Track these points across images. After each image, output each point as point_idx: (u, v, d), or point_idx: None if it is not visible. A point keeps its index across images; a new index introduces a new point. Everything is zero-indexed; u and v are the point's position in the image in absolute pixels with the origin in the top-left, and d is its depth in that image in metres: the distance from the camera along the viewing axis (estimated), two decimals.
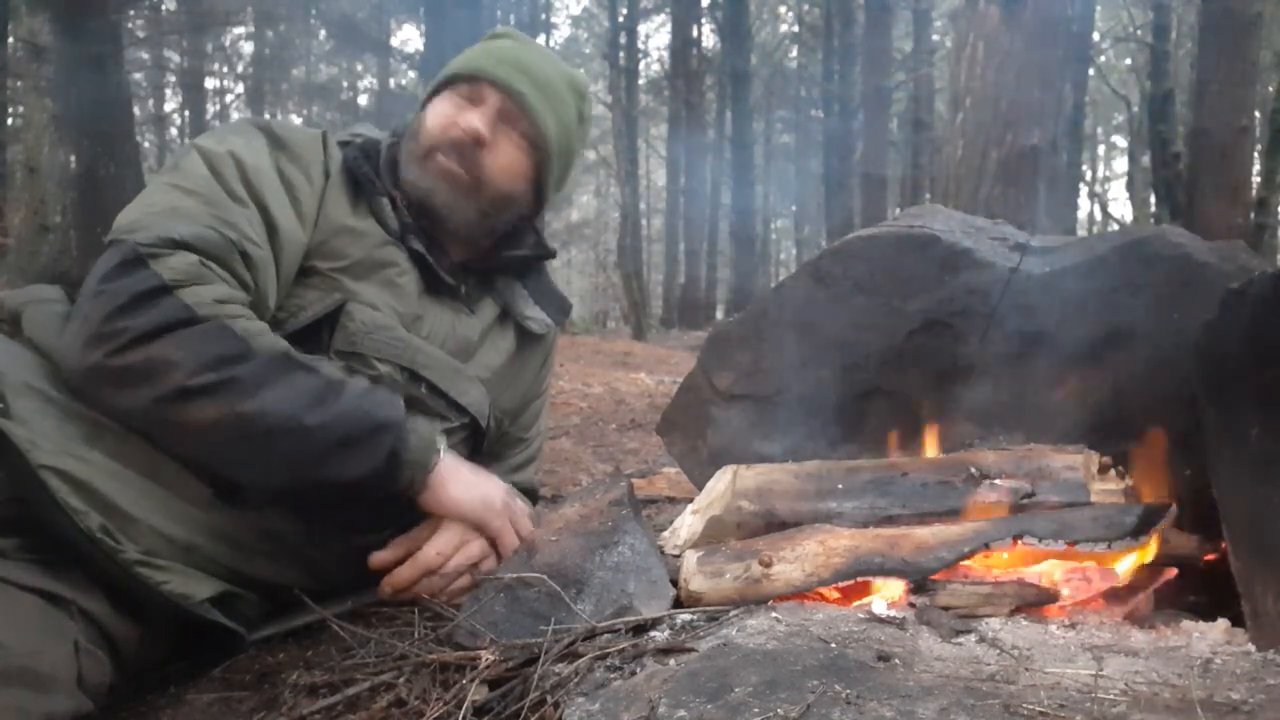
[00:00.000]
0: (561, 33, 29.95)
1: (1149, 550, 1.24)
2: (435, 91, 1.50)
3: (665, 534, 1.48)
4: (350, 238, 1.37)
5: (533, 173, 1.52)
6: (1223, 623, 1.13)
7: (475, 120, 1.43)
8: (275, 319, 1.30)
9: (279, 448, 1.16)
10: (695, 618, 1.13)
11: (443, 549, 1.32)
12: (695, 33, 19.42)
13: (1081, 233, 7.12)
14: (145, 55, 14.88)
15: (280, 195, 1.31)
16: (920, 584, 1.17)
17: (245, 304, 1.22)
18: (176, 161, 1.31)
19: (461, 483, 1.30)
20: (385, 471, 1.22)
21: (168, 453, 1.17)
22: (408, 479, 1.24)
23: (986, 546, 1.20)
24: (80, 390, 1.15)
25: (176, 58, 17.45)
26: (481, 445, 1.54)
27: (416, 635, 1.22)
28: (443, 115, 1.46)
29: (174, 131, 20.90)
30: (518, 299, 1.60)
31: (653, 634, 1.09)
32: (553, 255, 1.67)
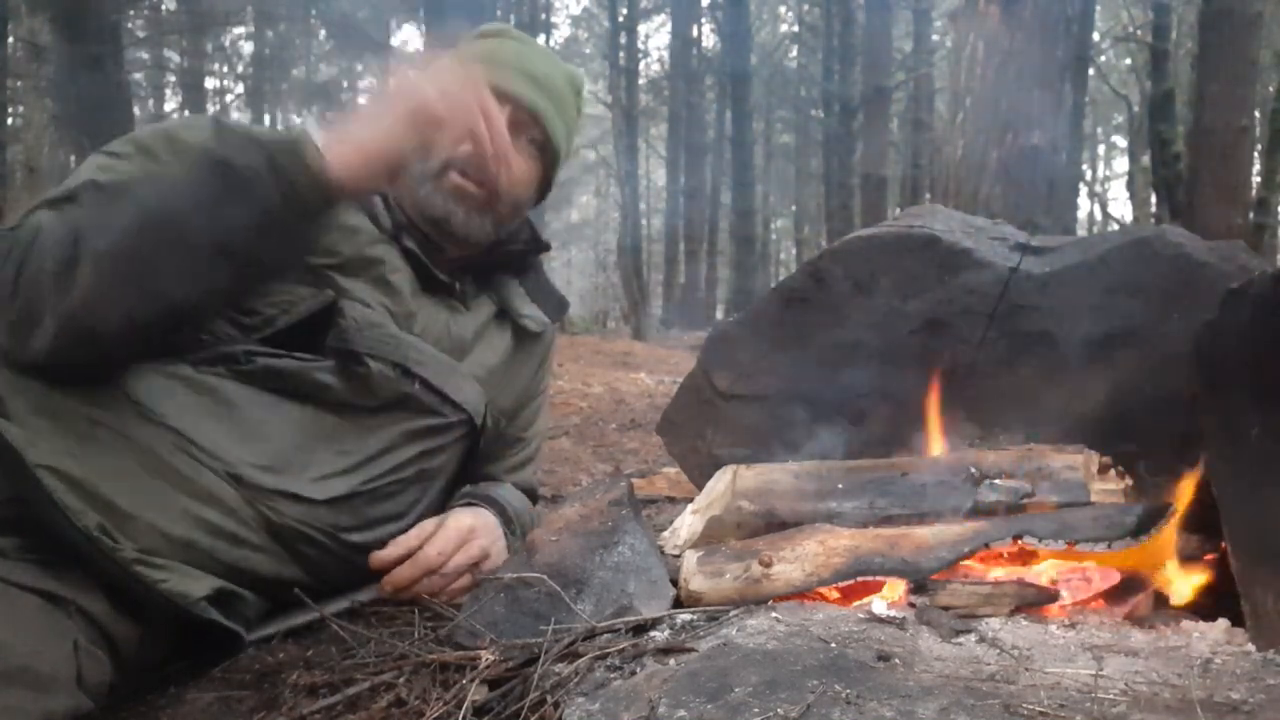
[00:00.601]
0: (561, 33, 29.92)
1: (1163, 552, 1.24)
2: None
3: (665, 534, 1.48)
4: (341, 234, 1.36)
5: (541, 176, 1.55)
6: (1223, 623, 1.13)
7: None
8: (267, 316, 1.29)
9: (161, 241, 1.08)
10: (695, 618, 1.13)
11: (443, 549, 1.31)
12: (695, 33, 19.44)
13: (1081, 233, 7.11)
14: (145, 55, 14.88)
15: None
16: (920, 584, 1.17)
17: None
18: None
19: (359, 121, 1.16)
20: (275, 179, 1.09)
21: (165, 449, 1.17)
22: (307, 166, 1.10)
23: (986, 546, 1.20)
24: (31, 365, 1.12)
25: (176, 58, 17.45)
26: (478, 444, 1.54)
27: (416, 635, 1.22)
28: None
29: None
30: (514, 297, 1.60)
31: (653, 634, 1.09)
32: (547, 248, 1.67)
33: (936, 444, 1.53)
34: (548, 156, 1.53)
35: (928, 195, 14.37)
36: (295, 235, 1.17)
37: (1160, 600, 1.26)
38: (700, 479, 1.66)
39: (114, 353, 1.15)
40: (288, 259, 1.21)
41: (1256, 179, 8.97)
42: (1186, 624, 1.15)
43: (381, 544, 1.34)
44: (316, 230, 1.21)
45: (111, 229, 1.07)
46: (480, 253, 1.55)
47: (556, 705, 0.94)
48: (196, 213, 1.08)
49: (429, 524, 1.38)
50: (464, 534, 1.36)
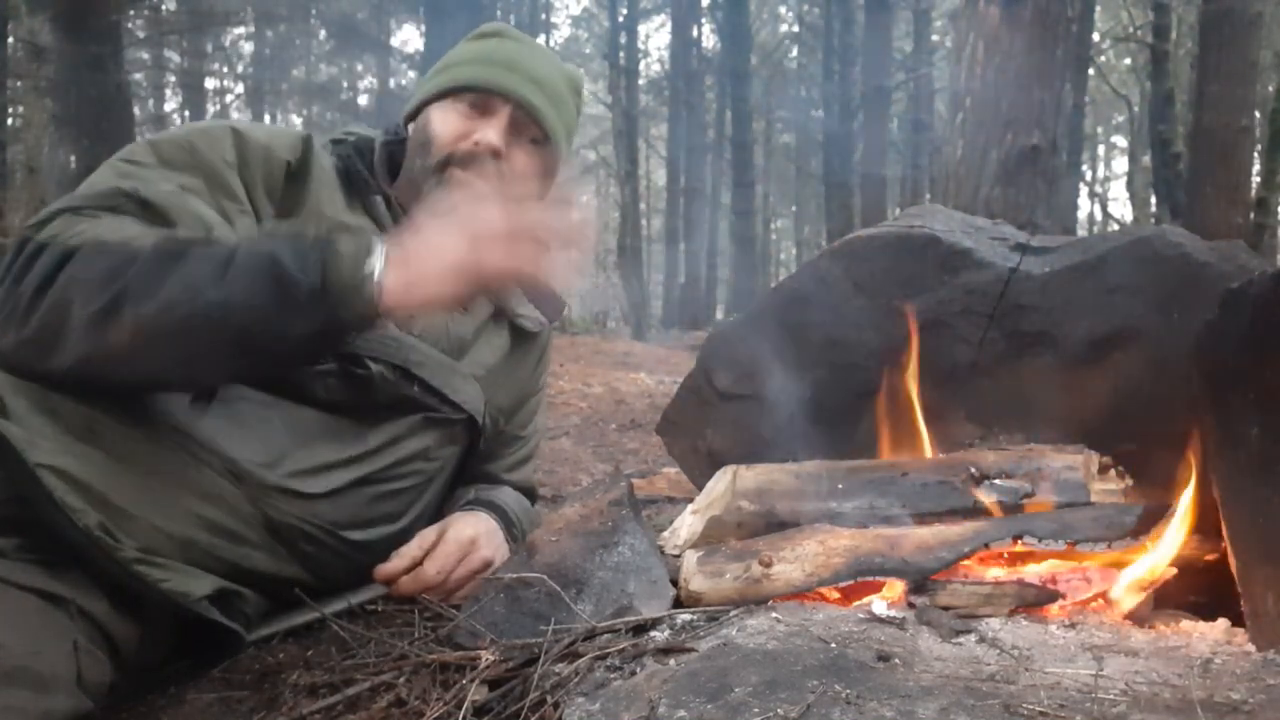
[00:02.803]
0: (561, 33, 29.91)
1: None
2: (436, 96, 1.50)
3: (665, 534, 1.48)
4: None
5: (542, 176, 1.55)
6: (1223, 623, 1.13)
7: (492, 135, 1.43)
8: None
9: (204, 333, 1.07)
10: (695, 618, 1.13)
11: (444, 565, 1.31)
12: (695, 33, 19.44)
13: (1081, 233, 7.10)
14: (145, 55, 14.87)
15: (221, 164, 1.27)
16: (920, 584, 1.17)
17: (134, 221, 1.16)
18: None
19: (423, 256, 1.11)
20: (329, 308, 1.07)
21: (166, 446, 1.16)
22: (358, 306, 1.08)
23: (986, 546, 1.20)
24: (25, 374, 1.11)
25: (176, 58, 17.44)
26: (478, 443, 1.54)
27: (416, 635, 1.22)
28: (453, 127, 1.44)
29: None
30: (511, 297, 1.60)
31: (653, 634, 1.09)
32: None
33: (935, 444, 1.52)
34: (548, 156, 1.53)
35: (928, 195, 14.38)
36: (330, 345, 1.21)
37: (1160, 600, 1.26)
38: (700, 479, 1.66)
39: (123, 388, 1.15)
40: (314, 359, 1.24)
41: (1256, 179, 8.96)
42: (1186, 624, 1.15)
43: (380, 543, 1.34)
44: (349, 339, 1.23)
45: (161, 300, 1.05)
46: None
47: (556, 705, 0.94)
48: (247, 317, 1.07)
49: (430, 533, 1.39)
50: (465, 546, 1.36)
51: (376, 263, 1.08)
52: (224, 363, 1.12)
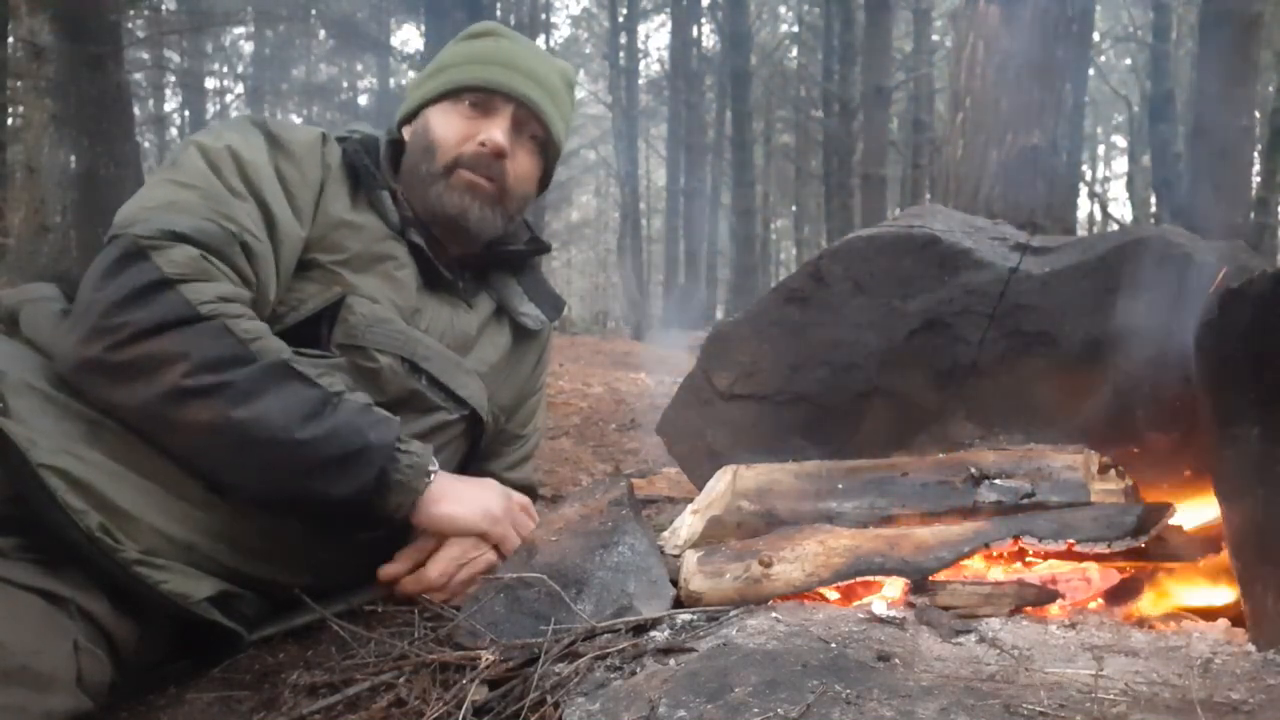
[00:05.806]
0: (561, 33, 29.91)
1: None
2: (435, 99, 1.50)
3: (665, 534, 1.48)
4: (350, 231, 1.38)
5: (542, 171, 1.58)
6: (1223, 623, 1.12)
7: (497, 135, 1.45)
8: (276, 312, 1.30)
9: (267, 458, 1.15)
10: (695, 618, 1.13)
11: (445, 569, 1.31)
12: (695, 33, 19.44)
13: (1081, 233, 7.10)
14: (145, 55, 14.89)
15: (277, 190, 1.31)
16: (920, 584, 1.17)
17: (247, 300, 1.22)
18: (175, 158, 1.31)
19: (455, 499, 1.29)
20: (373, 491, 1.20)
21: (167, 453, 1.17)
22: (396, 502, 1.23)
23: (986, 546, 1.20)
24: (73, 382, 1.15)
25: (176, 58, 17.44)
26: (481, 439, 1.54)
27: (416, 635, 1.22)
28: (456, 129, 1.46)
29: (174, 131, 20.92)
30: (513, 295, 1.61)
31: (653, 634, 1.09)
32: (548, 249, 1.68)
33: (935, 444, 1.52)
34: (548, 150, 1.56)
35: (928, 195, 14.39)
36: (348, 514, 1.25)
37: (1160, 600, 1.26)
38: (700, 479, 1.66)
39: (154, 442, 1.19)
40: (327, 514, 1.26)
41: (1256, 179, 8.96)
42: (1186, 624, 1.15)
43: (382, 543, 1.34)
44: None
45: (251, 412, 1.13)
46: (481, 250, 1.56)
47: (556, 705, 0.94)
48: (318, 468, 1.17)
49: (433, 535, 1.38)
50: (466, 548, 1.36)
51: (431, 478, 1.26)
52: (258, 483, 1.19)
